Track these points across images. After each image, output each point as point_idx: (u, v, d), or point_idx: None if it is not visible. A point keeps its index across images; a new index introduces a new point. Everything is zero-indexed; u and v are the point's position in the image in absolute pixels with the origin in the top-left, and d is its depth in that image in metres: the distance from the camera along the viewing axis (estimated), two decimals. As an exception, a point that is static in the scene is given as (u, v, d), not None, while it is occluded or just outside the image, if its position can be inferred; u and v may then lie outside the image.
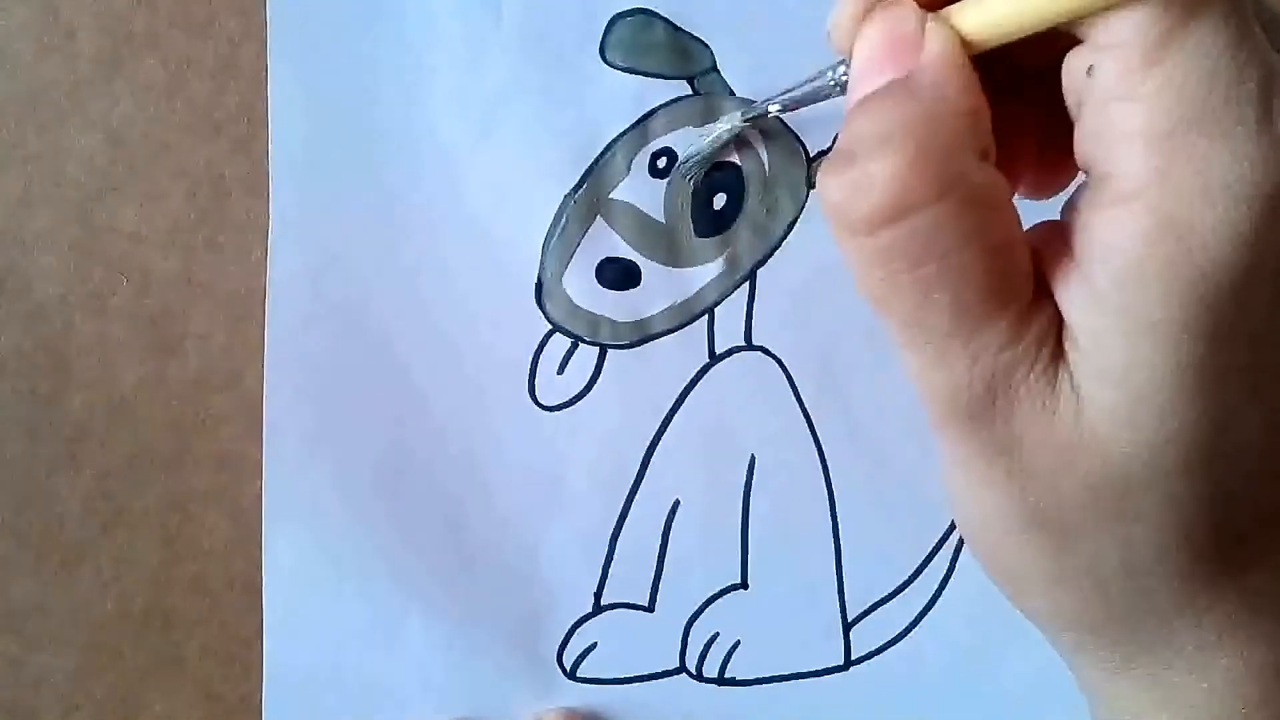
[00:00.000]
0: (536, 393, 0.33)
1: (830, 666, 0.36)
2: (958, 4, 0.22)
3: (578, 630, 0.35)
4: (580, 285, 0.33)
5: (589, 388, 0.33)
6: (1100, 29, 0.20)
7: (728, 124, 0.32)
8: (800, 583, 0.35)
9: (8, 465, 0.32)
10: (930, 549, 0.35)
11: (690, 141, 0.32)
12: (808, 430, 0.34)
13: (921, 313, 0.20)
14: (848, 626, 0.35)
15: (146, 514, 0.33)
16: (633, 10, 0.32)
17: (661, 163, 0.32)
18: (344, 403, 0.33)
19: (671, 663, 0.35)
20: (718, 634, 0.35)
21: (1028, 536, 0.22)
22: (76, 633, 0.33)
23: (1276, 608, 0.22)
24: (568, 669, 0.35)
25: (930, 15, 0.21)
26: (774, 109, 0.30)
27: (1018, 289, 0.21)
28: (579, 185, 0.32)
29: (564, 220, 0.32)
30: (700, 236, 0.33)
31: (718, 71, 0.32)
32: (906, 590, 0.35)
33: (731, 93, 0.32)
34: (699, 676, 0.35)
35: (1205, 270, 0.19)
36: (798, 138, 0.33)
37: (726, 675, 0.35)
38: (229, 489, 0.33)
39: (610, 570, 0.34)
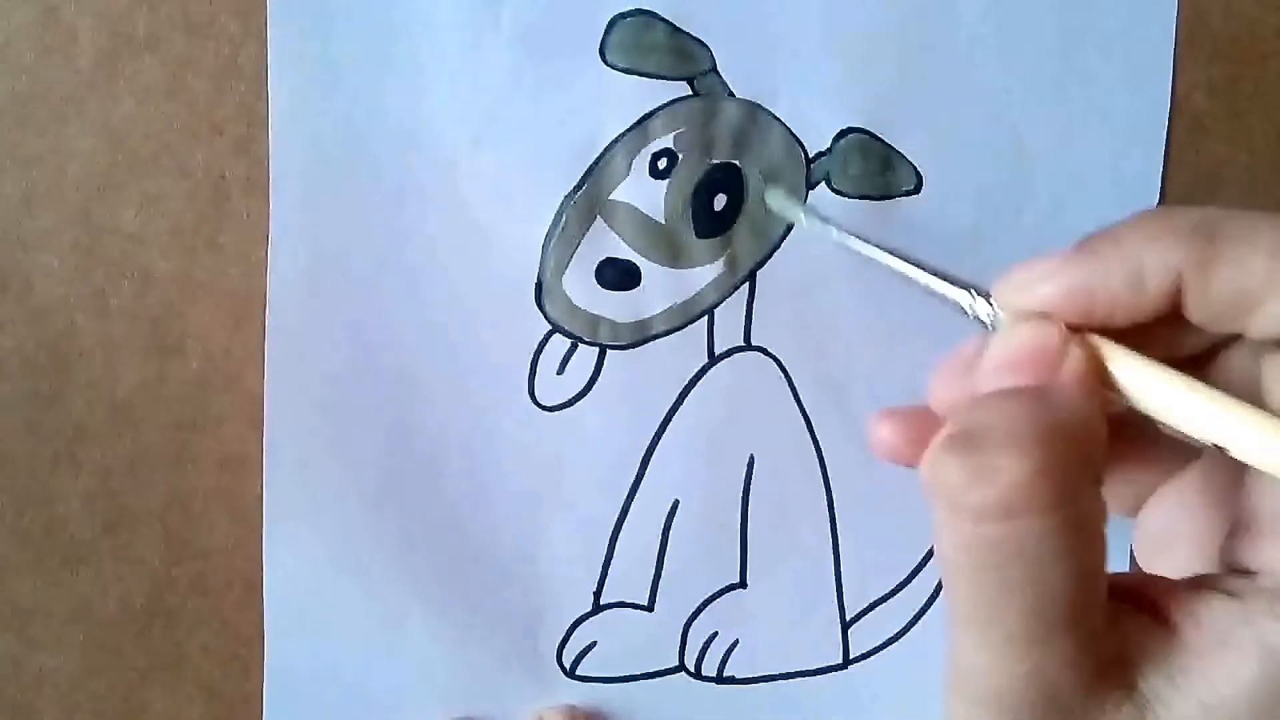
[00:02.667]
0: (536, 393, 0.33)
1: (829, 665, 0.36)
2: (1105, 339, 0.23)
3: (577, 629, 0.35)
4: (580, 286, 0.33)
5: (589, 388, 0.33)
6: None
7: (818, 225, 0.31)
8: (799, 582, 0.35)
9: (9, 465, 0.32)
10: (928, 549, 0.35)
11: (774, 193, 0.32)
12: (806, 431, 0.34)
13: (996, 609, 0.21)
14: (846, 625, 0.36)
15: (147, 513, 0.33)
16: (633, 11, 0.32)
17: (662, 163, 0.32)
18: (344, 403, 0.33)
19: (671, 661, 0.35)
20: (716, 633, 0.35)
21: None
22: (77, 632, 0.34)
23: None
24: (567, 667, 0.35)
25: (1074, 337, 0.23)
26: (895, 265, 0.28)
27: (1091, 614, 0.22)
28: (579, 186, 0.32)
29: (564, 221, 0.32)
30: (700, 237, 0.33)
31: (717, 72, 0.32)
32: (904, 589, 0.36)
33: (731, 94, 0.32)
34: (698, 675, 0.36)
35: None
36: (798, 139, 0.33)
37: (725, 674, 0.36)
38: (230, 489, 0.33)
39: (610, 569, 0.35)
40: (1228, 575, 0.23)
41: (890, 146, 0.33)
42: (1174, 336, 0.23)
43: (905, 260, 0.27)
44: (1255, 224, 0.22)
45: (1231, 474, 0.23)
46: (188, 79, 0.31)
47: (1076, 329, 0.23)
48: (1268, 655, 0.21)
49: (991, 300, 0.24)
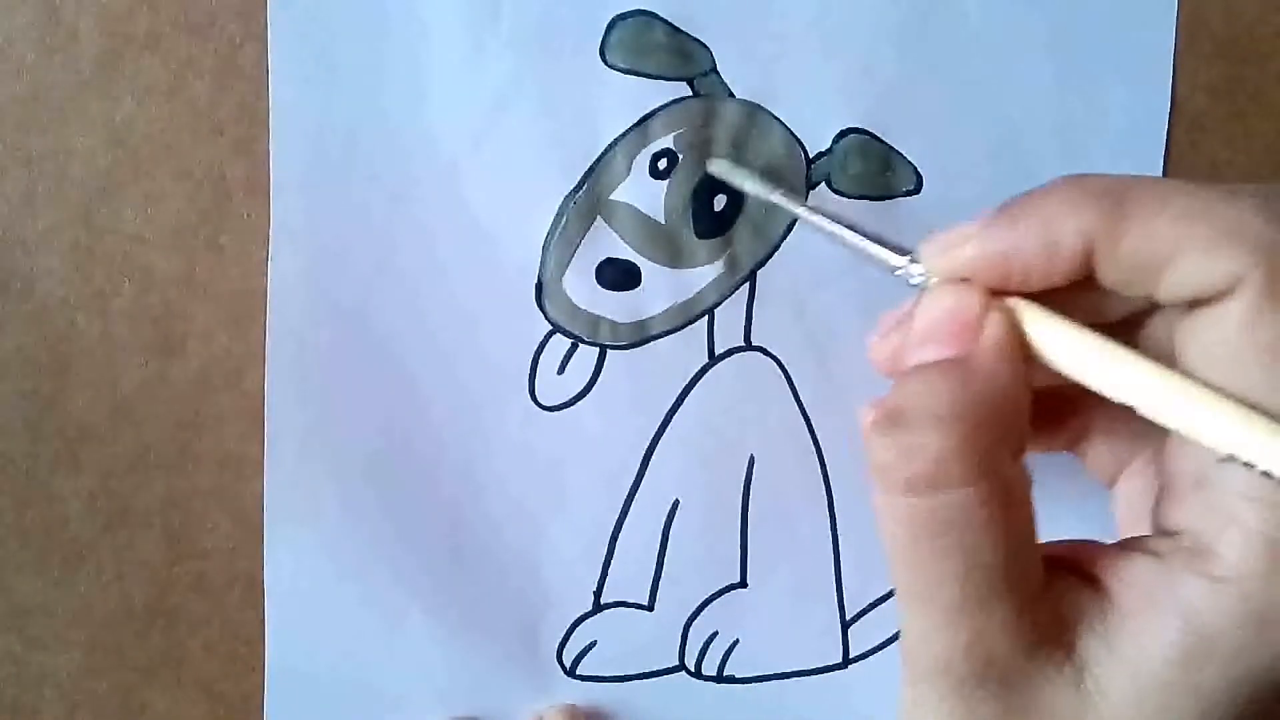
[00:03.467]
0: (536, 393, 0.33)
1: (829, 665, 0.36)
2: (1025, 301, 0.24)
3: (577, 628, 0.35)
4: (580, 286, 0.33)
5: (589, 388, 0.34)
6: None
7: (772, 195, 0.31)
8: (799, 581, 0.35)
9: (10, 465, 0.33)
10: (928, 548, 0.35)
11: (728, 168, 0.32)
12: (807, 430, 0.34)
13: (933, 578, 0.22)
14: (846, 625, 0.36)
15: (148, 513, 0.33)
16: (633, 11, 0.32)
17: (662, 164, 0.32)
18: (345, 403, 0.33)
19: (671, 661, 0.35)
20: (717, 632, 0.35)
21: None
22: (78, 632, 0.34)
23: None
24: (567, 667, 0.35)
25: (994, 302, 0.24)
26: (833, 226, 0.29)
27: (1026, 580, 0.23)
28: (579, 186, 0.32)
29: (564, 221, 0.32)
30: (700, 237, 0.33)
31: (717, 73, 0.32)
32: (904, 589, 0.36)
33: (731, 94, 0.32)
34: (698, 674, 0.36)
35: (1268, 661, 0.21)
36: (798, 140, 0.33)
37: (725, 673, 0.36)
38: (230, 488, 0.33)
39: (610, 569, 0.35)
40: (1155, 537, 0.23)
41: (890, 146, 0.33)
42: (1095, 302, 0.24)
43: (840, 223, 0.28)
44: (1164, 191, 0.22)
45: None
46: (188, 79, 0.31)
47: (1000, 294, 0.24)
48: (1187, 612, 0.21)
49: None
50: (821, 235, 0.29)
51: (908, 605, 0.23)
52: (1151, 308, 0.24)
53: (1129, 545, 0.24)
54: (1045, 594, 0.23)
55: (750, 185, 0.31)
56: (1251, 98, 0.35)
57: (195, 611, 0.34)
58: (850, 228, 0.28)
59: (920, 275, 0.25)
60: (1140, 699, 0.22)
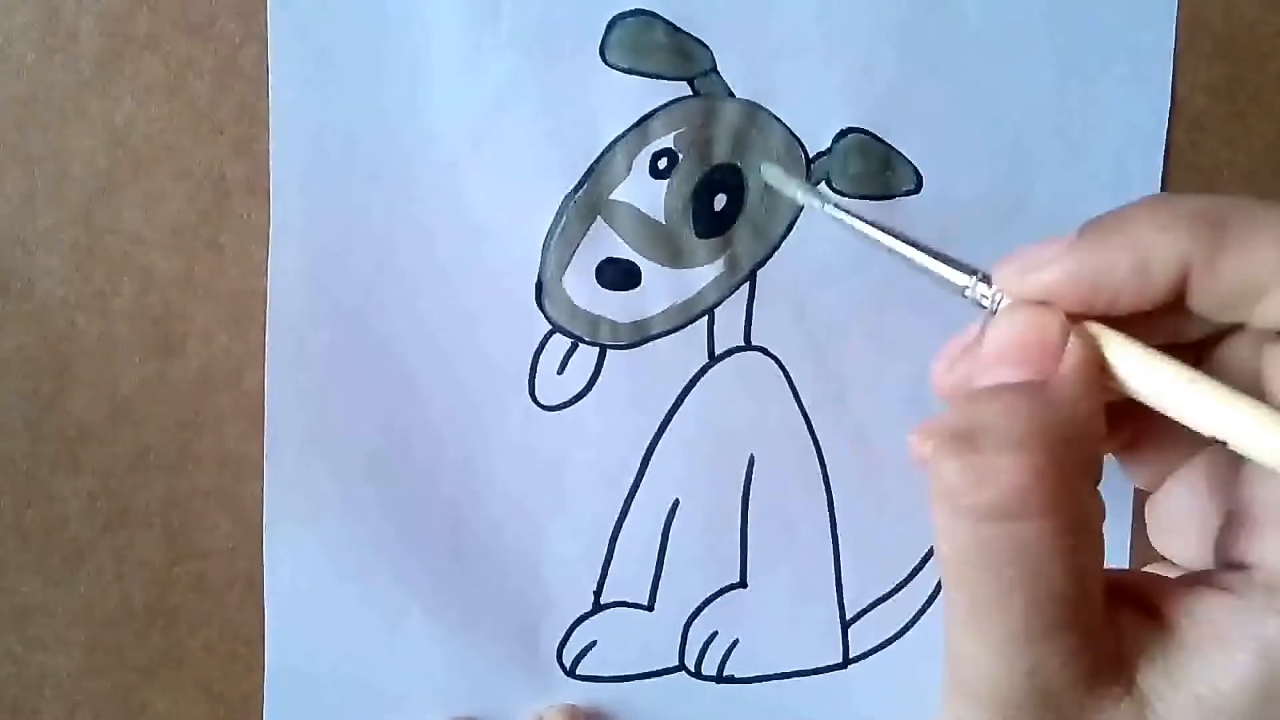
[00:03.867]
0: (536, 393, 0.33)
1: (829, 665, 0.36)
2: (1104, 326, 0.23)
3: (578, 628, 0.35)
4: (580, 286, 0.33)
5: (589, 388, 0.34)
6: None
7: (816, 200, 0.29)
8: (799, 581, 0.35)
9: (10, 464, 0.33)
10: (928, 549, 0.35)
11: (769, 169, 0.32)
12: (806, 430, 0.34)
13: (995, 607, 0.21)
14: (846, 625, 0.36)
15: (148, 513, 0.33)
16: (633, 11, 0.32)
17: (662, 163, 0.32)
18: (344, 402, 0.33)
19: (671, 661, 0.35)
20: (716, 632, 0.35)
21: None
22: (78, 632, 0.34)
23: None
24: (567, 667, 0.35)
25: (1075, 327, 0.22)
26: (889, 242, 0.27)
27: (1088, 614, 0.22)
28: (579, 186, 0.32)
29: (564, 221, 0.32)
30: (700, 237, 0.33)
31: (717, 72, 0.32)
32: (904, 589, 0.36)
33: (731, 94, 0.32)
34: (698, 674, 0.36)
35: None
36: (798, 139, 0.33)
37: (725, 673, 0.36)
38: (230, 488, 0.33)
39: (610, 569, 0.35)
40: (1224, 570, 0.23)
41: (890, 146, 0.33)
42: (1175, 324, 0.23)
43: (904, 240, 0.27)
44: (1262, 214, 0.21)
45: (1236, 465, 0.23)
46: (188, 79, 0.31)
47: (1076, 317, 0.23)
48: (1264, 650, 0.21)
49: (991, 283, 0.24)
50: (881, 250, 0.27)
51: (962, 631, 0.22)
52: (1234, 329, 0.23)
53: (1197, 579, 0.23)
54: (1107, 626, 0.22)
55: (802, 195, 0.30)
56: (1251, 98, 0.35)
57: (195, 611, 0.34)
58: (914, 244, 0.26)
59: (990, 296, 0.24)
60: None
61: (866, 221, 0.27)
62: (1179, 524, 0.26)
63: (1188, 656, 0.22)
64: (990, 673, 0.22)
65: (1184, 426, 0.22)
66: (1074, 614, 0.21)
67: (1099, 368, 0.22)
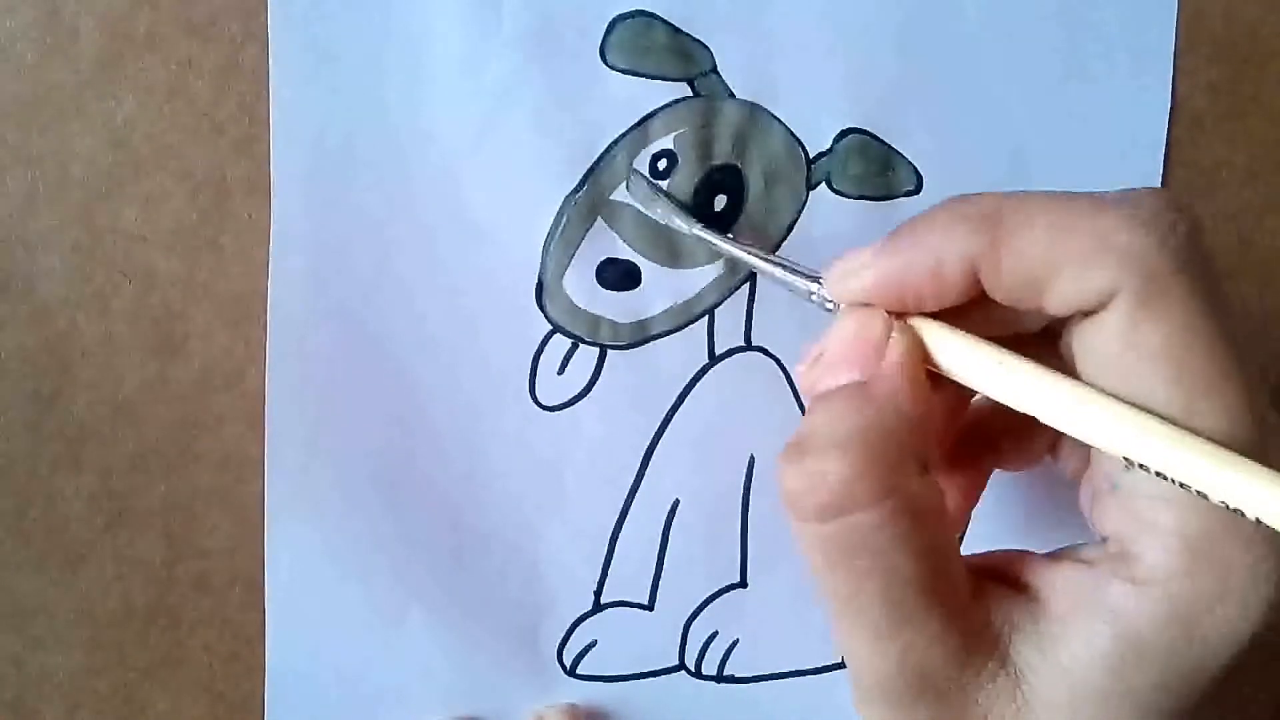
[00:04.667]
0: (536, 393, 0.33)
1: (829, 664, 0.36)
2: (930, 320, 0.24)
3: (578, 628, 0.35)
4: (580, 286, 0.33)
5: (589, 388, 0.34)
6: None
7: (687, 228, 0.32)
8: (799, 581, 0.35)
9: (11, 464, 0.33)
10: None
11: (647, 198, 0.32)
12: (807, 430, 0.34)
13: (856, 599, 0.23)
14: (846, 625, 0.36)
15: (149, 513, 0.33)
16: (633, 12, 0.32)
17: (662, 164, 0.32)
18: (345, 403, 0.33)
19: (671, 660, 0.36)
20: (717, 632, 0.35)
21: None
22: (79, 631, 0.34)
23: None
24: (568, 666, 0.35)
25: (897, 324, 0.24)
26: (751, 258, 0.30)
27: (949, 592, 0.23)
28: (579, 186, 0.32)
29: (564, 221, 0.32)
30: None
31: (718, 73, 0.32)
32: (904, 589, 0.36)
33: (732, 94, 0.32)
34: (698, 674, 0.36)
35: (1200, 659, 0.21)
36: (798, 140, 0.33)
37: (725, 673, 0.36)
38: (231, 488, 0.33)
39: (610, 569, 0.35)
40: (1086, 545, 0.24)
41: (890, 147, 0.33)
42: (1006, 315, 0.24)
43: (759, 255, 0.30)
44: (1035, 208, 0.22)
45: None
46: (189, 79, 0.31)
47: (904, 315, 0.24)
48: (1115, 618, 0.22)
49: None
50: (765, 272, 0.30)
51: (838, 627, 0.23)
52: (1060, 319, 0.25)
53: (1060, 554, 0.24)
54: (975, 604, 0.23)
55: (665, 216, 0.32)
56: (1251, 98, 0.35)
57: (196, 611, 0.34)
58: (765, 258, 0.29)
59: (831, 300, 0.26)
60: (1075, 705, 0.22)
61: (730, 242, 0.31)
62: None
63: (1053, 627, 0.23)
64: (869, 664, 0.23)
65: None
66: (934, 595, 0.22)
67: (922, 360, 0.24)
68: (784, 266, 0.29)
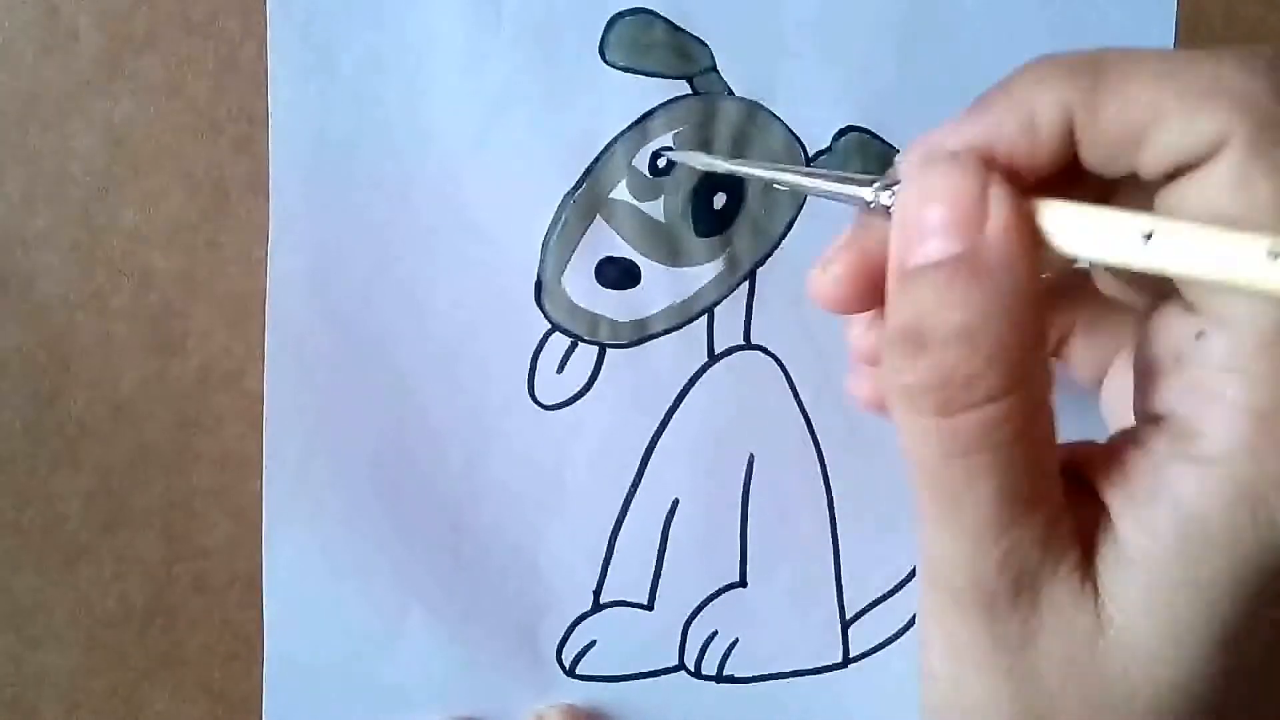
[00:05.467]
0: (536, 392, 0.33)
1: (829, 664, 0.36)
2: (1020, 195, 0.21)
3: (577, 628, 0.35)
4: (580, 284, 0.33)
5: (588, 387, 0.33)
6: (1216, 302, 0.20)
7: (743, 167, 0.31)
8: (799, 581, 0.35)
9: (9, 463, 0.32)
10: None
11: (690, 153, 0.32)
12: (806, 429, 0.34)
13: (967, 496, 0.21)
14: (846, 624, 0.36)
15: (148, 512, 0.33)
16: (632, 10, 0.32)
17: (661, 162, 0.32)
18: (344, 402, 0.33)
19: (670, 660, 0.35)
20: (716, 632, 0.35)
21: None
22: (78, 631, 0.34)
23: None
24: (567, 666, 0.35)
25: (994, 178, 0.21)
26: (794, 180, 0.27)
27: (1052, 489, 0.21)
28: (578, 184, 0.32)
29: (564, 219, 0.32)
30: (700, 236, 0.33)
31: (717, 71, 0.32)
32: (904, 588, 0.36)
33: (731, 92, 0.32)
34: (697, 674, 0.36)
35: (1268, 545, 0.20)
36: (798, 138, 0.33)
37: (725, 673, 0.36)
38: (230, 488, 0.33)
39: (609, 568, 0.35)
40: (1140, 426, 0.22)
41: (890, 146, 0.33)
42: (1093, 187, 0.22)
43: (802, 173, 0.27)
44: (1141, 55, 0.21)
45: (1160, 329, 0.22)
46: (188, 78, 0.31)
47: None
48: (1177, 501, 0.20)
49: (896, 184, 0.22)
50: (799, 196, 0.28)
51: (936, 527, 0.22)
52: (1126, 190, 0.23)
53: (1116, 441, 0.22)
54: (1064, 503, 0.22)
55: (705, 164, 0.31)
56: (1251, 97, 0.35)
57: (194, 610, 0.34)
58: (808, 172, 0.26)
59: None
60: (1149, 604, 0.20)
61: (767, 166, 0.28)
62: (1124, 407, 0.25)
63: (1120, 521, 0.21)
64: (966, 562, 0.21)
65: (1112, 314, 0.22)
66: (1040, 493, 0.21)
67: (1028, 224, 0.21)
68: (831, 176, 0.25)
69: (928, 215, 0.21)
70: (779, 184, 0.28)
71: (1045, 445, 0.21)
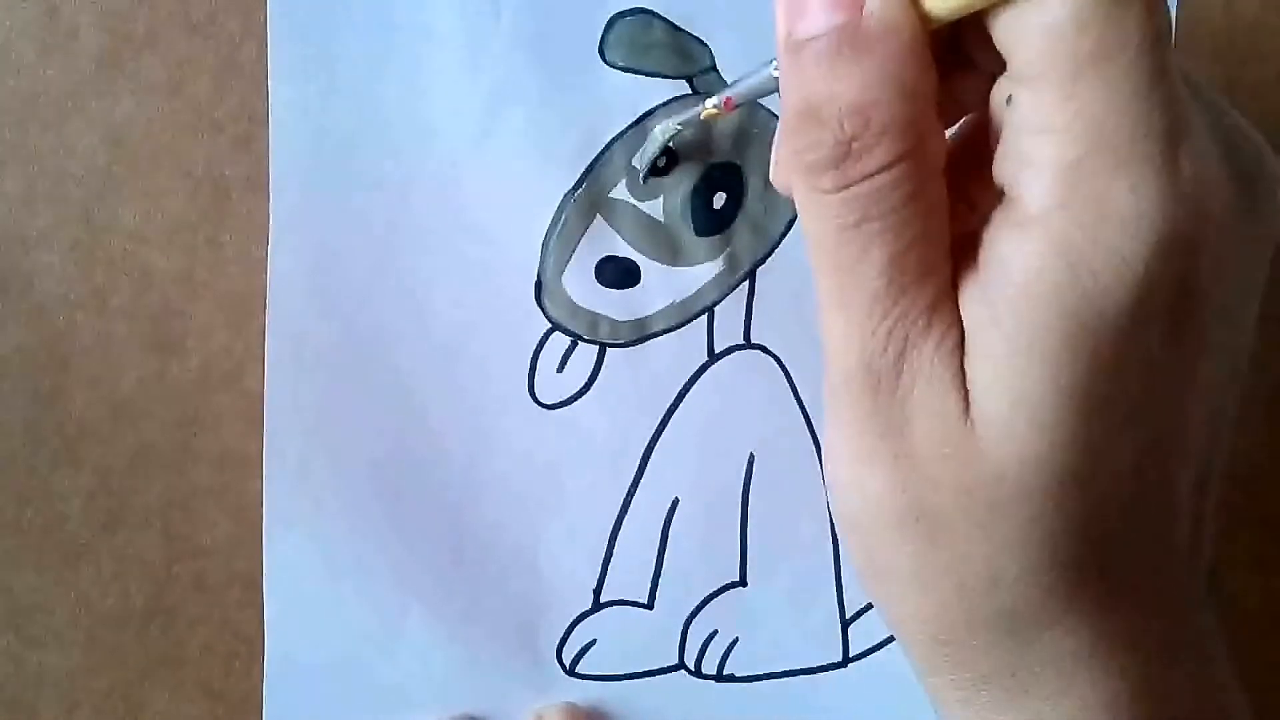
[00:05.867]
0: (536, 391, 0.33)
1: (828, 663, 0.36)
2: None
3: (577, 627, 0.35)
4: (580, 284, 0.33)
5: (588, 386, 0.34)
6: (1021, 60, 0.20)
7: (660, 129, 0.31)
8: (799, 580, 0.35)
9: (9, 463, 0.33)
10: (928, 547, 0.35)
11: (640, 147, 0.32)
12: (806, 428, 0.34)
13: (857, 268, 0.21)
14: (846, 623, 0.36)
15: (147, 512, 0.33)
16: (632, 10, 0.32)
17: (661, 162, 0.32)
18: (344, 401, 0.33)
19: (670, 659, 0.35)
20: (716, 631, 0.35)
21: (900, 531, 0.22)
22: (77, 630, 0.34)
23: (1132, 643, 0.22)
24: (567, 665, 0.35)
25: None
26: (710, 106, 0.29)
27: (941, 262, 0.21)
28: (578, 184, 0.32)
29: (564, 219, 0.32)
30: (700, 235, 0.33)
31: (717, 71, 0.32)
32: (904, 588, 0.36)
33: (730, 92, 0.32)
34: (698, 673, 0.36)
35: (1092, 298, 0.20)
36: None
37: (725, 672, 0.36)
38: (230, 487, 0.33)
39: (610, 567, 0.35)
40: (984, 199, 0.22)
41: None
42: None
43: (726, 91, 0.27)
44: None
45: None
46: (188, 78, 0.31)
47: None
48: (1004, 269, 0.20)
49: None
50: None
51: (831, 306, 0.22)
52: None
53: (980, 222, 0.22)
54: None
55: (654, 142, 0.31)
56: (1252, 97, 0.35)
57: (194, 610, 0.34)
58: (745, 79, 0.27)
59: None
60: (998, 378, 0.20)
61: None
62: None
63: (964, 298, 0.21)
64: (858, 343, 0.21)
65: (966, 72, 0.21)
66: (929, 264, 0.21)
67: None
68: (731, 86, 0.27)
69: None
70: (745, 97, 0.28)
71: (937, 213, 0.21)
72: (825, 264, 0.21)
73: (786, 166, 0.22)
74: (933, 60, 0.21)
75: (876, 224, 0.20)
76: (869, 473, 0.22)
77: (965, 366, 0.21)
